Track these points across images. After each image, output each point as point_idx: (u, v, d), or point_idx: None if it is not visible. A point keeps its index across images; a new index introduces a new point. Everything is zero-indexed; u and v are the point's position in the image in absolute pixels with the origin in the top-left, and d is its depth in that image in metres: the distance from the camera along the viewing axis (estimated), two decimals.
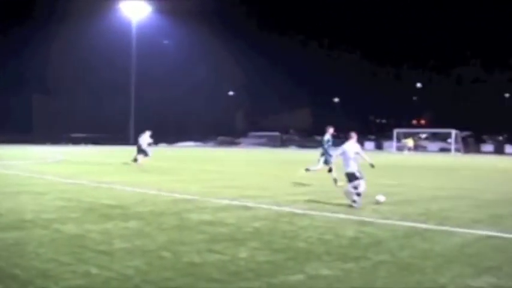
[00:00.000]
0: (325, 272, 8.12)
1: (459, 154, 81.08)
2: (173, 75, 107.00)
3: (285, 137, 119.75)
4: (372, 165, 16.78)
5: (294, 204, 15.88)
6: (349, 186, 16.05)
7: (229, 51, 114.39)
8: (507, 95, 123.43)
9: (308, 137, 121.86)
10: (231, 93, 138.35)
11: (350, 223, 12.67)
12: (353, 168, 16.06)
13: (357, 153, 16.42)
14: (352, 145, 16.47)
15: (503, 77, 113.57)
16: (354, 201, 15.55)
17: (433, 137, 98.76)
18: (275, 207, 15.14)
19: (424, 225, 12.57)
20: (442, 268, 8.50)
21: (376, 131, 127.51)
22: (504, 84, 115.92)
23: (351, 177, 16.01)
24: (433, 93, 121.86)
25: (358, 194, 15.63)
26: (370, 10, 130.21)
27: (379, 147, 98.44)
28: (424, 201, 17.43)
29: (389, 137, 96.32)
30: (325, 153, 22.44)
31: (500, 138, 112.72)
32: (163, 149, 73.49)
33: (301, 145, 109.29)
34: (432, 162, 42.63)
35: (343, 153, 16.37)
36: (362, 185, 15.80)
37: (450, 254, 9.52)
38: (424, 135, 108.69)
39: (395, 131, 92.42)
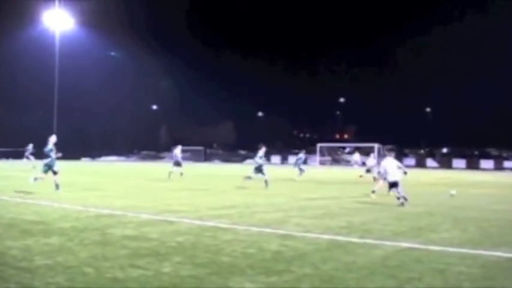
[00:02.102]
0: (248, 285, 8.10)
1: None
2: (97, 88, 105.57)
3: (208, 151, 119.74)
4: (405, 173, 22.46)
5: (217, 218, 15.82)
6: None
7: (153, 64, 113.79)
8: (428, 109, 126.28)
9: (232, 151, 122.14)
10: (154, 107, 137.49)
11: (273, 237, 12.68)
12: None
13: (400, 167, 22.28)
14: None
15: (424, 91, 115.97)
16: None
17: (355, 151, 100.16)
18: (198, 222, 15.06)
19: (346, 238, 12.70)
20: (364, 280, 8.59)
21: (299, 145, 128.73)
22: (425, 97, 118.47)
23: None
24: (356, 108, 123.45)
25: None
26: (297, 24, 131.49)
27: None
28: (346, 214, 17.63)
29: (313, 152, 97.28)
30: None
31: (422, 151, 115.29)
32: (86, 164, 72.52)
33: (225, 159, 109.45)
34: (355, 176, 43.14)
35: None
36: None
37: (372, 266, 9.62)
38: (347, 149, 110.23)
39: (319, 146, 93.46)
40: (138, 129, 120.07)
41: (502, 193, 29.98)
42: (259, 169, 30.16)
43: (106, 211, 17.22)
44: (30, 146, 43.06)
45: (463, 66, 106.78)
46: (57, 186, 23.47)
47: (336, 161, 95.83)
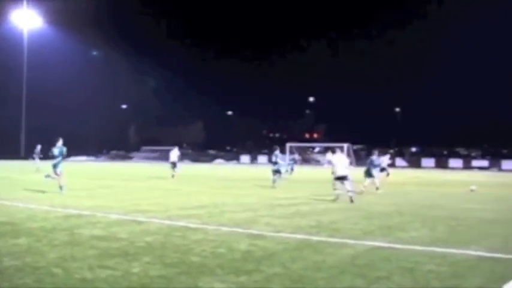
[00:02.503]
0: (218, 285, 8.06)
1: (351, 167, 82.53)
2: (65, 87, 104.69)
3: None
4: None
5: (187, 218, 15.74)
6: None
7: (121, 63, 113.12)
8: (398, 109, 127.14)
9: (201, 151, 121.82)
10: (123, 106, 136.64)
11: (243, 236, 12.65)
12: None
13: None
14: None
15: (393, 91, 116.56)
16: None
17: (326, 151, 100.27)
18: (168, 222, 14.98)
19: (316, 238, 12.70)
20: (334, 279, 8.58)
21: (269, 145, 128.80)
22: (394, 97, 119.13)
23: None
24: (326, 107, 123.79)
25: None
26: (266, 24, 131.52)
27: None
28: (316, 214, 17.62)
29: (282, 151, 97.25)
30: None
31: (391, 151, 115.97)
32: None
33: (195, 159, 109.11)
34: (325, 175, 43.16)
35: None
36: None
37: (342, 265, 9.62)
38: (316, 149, 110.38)
39: (288, 145, 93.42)
40: (108, 129, 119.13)
41: (470, 192, 30.18)
42: (277, 171, 32.75)
43: (74, 211, 17.07)
44: (39, 147, 43.02)
45: (432, 67, 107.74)
46: (61, 187, 24.35)
47: (305, 161, 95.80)
